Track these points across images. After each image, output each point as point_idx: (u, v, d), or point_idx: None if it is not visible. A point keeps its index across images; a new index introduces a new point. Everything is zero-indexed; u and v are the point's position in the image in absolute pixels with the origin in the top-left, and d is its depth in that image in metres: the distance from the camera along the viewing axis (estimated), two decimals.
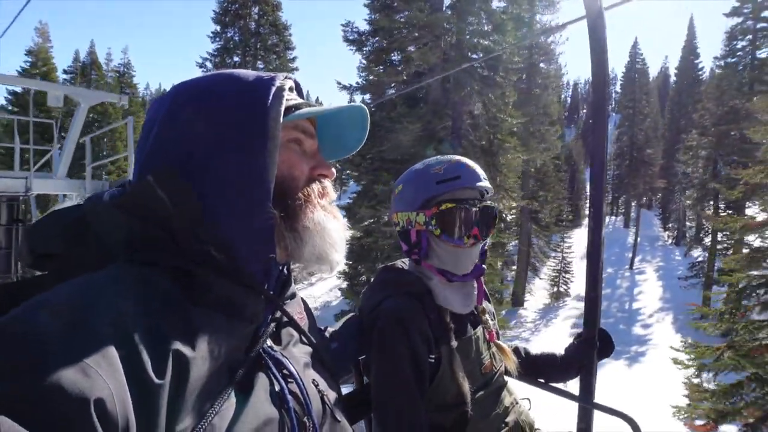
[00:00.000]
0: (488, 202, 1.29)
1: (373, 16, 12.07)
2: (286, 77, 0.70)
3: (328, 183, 0.75)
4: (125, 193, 0.59)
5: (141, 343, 0.47)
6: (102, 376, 0.42)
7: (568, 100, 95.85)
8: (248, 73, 0.68)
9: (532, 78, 24.44)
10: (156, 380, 0.46)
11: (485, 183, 1.26)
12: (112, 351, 0.44)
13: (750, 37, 21.79)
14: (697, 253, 22.79)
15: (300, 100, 0.72)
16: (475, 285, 1.33)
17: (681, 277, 23.12)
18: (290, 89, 0.72)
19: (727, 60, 22.22)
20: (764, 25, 21.17)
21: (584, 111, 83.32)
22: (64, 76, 31.59)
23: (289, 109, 0.68)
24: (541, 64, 25.32)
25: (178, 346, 0.49)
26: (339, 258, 0.71)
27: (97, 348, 0.43)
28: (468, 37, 11.39)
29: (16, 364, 0.40)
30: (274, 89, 0.65)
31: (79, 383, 0.40)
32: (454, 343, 1.22)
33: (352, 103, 0.76)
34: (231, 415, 0.54)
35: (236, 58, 20.47)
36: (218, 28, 20.60)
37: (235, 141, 0.62)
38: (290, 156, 0.69)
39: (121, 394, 0.43)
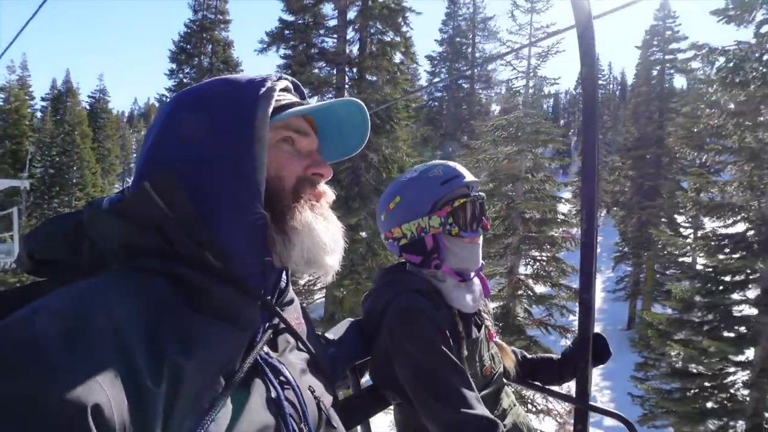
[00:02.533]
0: (478, 192, 1.32)
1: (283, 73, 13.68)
2: (280, 77, 0.70)
3: (323, 183, 0.73)
4: (123, 199, 0.60)
5: (138, 350, 0.47)
6: (99, 382, 0.42)
7: (550, 110, 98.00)
8: (242, 77, 0.68)
9: (473, 105, 26.25)
10: (153, 387, 0.46)
11: (473, 177, 1.31)
12: (110, 357, 0.44)
13: (659, 67, 23.70)
14: (629, 268, 24.50)
15: (294, 100, 0.72)
16: (478, 281, 1.36)
17: (608, 290, 24.76)
18: (285, 90, 0.72)
19: (641, 89, 24.06)
20: (671, 56, 23.04)
21: (562, 122, 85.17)
22: (42, 103, 33.37)
23: (281, 109, 0.68)
24: (482, 92, 27.18)
25: (174, 353, 0.49)
26: (332, 261, 0.69)
27: (95, 354, 0.44)
28: (362, 93, 13.08)
29: (14, 367, 0.41)
30: (263, 90, 0.65)
31: (77, 388, 0.41)
32: (465, 352, 1.22)
33: (346, 98, 0.74)
34: (227, 422, 0.54)
35: None
36: (174, 66, 22.27)
37: (224, 144, 0.62)
38: (279, 156, 0.68)
39: (118, 401, 0.43)
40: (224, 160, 0.62)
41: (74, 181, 25.13)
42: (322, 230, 0.69)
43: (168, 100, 0.69)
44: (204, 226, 0.59)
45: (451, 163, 1.32)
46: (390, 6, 13.41)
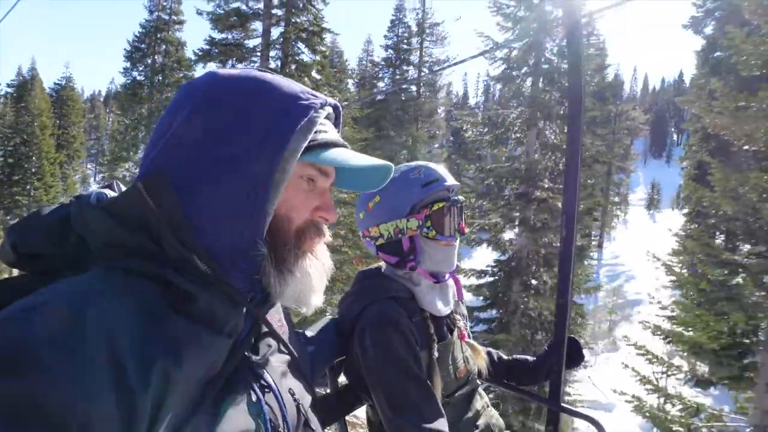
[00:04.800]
0: (458, 197, 1.34)
1: None
2: (325, 105, 0.66)
3: (325, 226, 0.72)
4: (114, 197, 0.59)
5: (129, 354, 0.47)
6: (87, 386, 0.43)
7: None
8: (287, 91, 0.63)
9: (417, 108, 27.74)
10: (141, 393, 0.46)
11: (454, 180, 1.33)
12: (99, 360, 0.45)
13: None
14: None
15: (331, 136, 0.68)
16: (452, 283, 1.40)
17: None
18: (327, 117, 0.69)
19: None
20: None
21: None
22: (8, 89, 34.04)
23: (316, 145, 0.65)
24: (428, 95, 28.68)
25: (161, 357, 0.50)
26: (317, 300, 0.70)
27: (86, 358, 0.44)
28: None
29: (4, 368, 0.41)
30: (304, 121, 0.62)
31: (65, 393, 0.42)
32: (436, 354, 1.25)
33: (379, 161, 0.72)
34: (209, 426, 0.55)
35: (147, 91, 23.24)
36: (129, 64, 23.36)
37: (244, 162, 0.59)
38: (296, 195, 0.66)
39: (105, 405, 0.44)
40: (239, 181, 0.59)
41: (33, 170, 26.23)
42: (317, 275, 0.69)
43: (195, 85, 0.64)
44: (197, 240, 0.58)
45: (433, 166, 1.33)
46: (308, 28, 14.82)
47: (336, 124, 0.74)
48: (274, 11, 14.78)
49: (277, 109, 0.62)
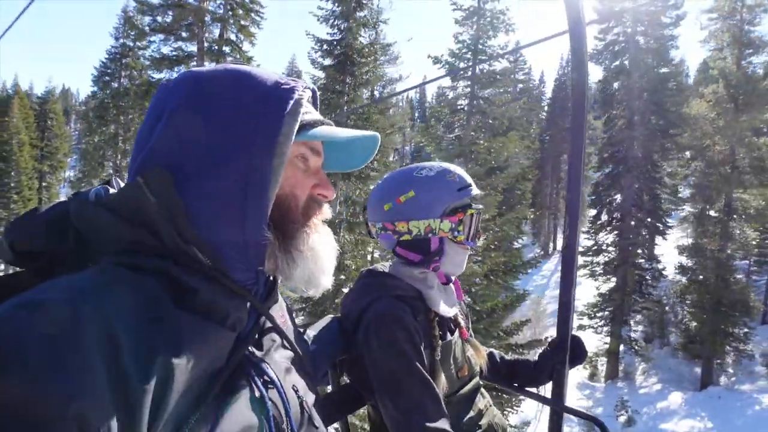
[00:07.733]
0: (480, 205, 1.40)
1: None
2: (305, 88, 0.68)
3: (325, 203, 0.73)
4: (114, 193, 0.60)
5: (129, 351, 0.46)
6: (85, 382, 0.42)
7: None
8: (267, 78, 0.65)
9: (371, 124, 29.58)
10: (141, 391, 0.46)
11: (479, 190, 1.37)
12: (97, 357, 0.44)
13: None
14: None
15: (315, 116, 0.70)
16: (452, 285, 1.42)
17: None
18: (308, 100, 0.70)
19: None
20: None
21: None
22: None
23: (304, 124, 0.66)
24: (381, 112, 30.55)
25: (163, 353, 0.49)
26: (327, 281, 0.71)
27: (83, 357, 0.43)
28: None
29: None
30: (291, 103, 0.63)
31: (61, 395, 0.41)
32: (438, 354, 1.26)
33: (365, 132, 0.72)
34: (211, 421, 0.55)
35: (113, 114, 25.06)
36: (96, 89, 25.22)
37: (241, 152, 0.60)
38: (295, 173, 0.68)
39: (102, 401, 0.43)
40: (237, 168, 0.60)
41: (12, 185, 28.19)
42: (326, 255, 0.71)
43: (175, 82, 0.65)
44: (199, 230, 0.58)
45: (461, 171, 1.37)
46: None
47: (314, 108, 0.75)
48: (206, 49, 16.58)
49: (263, 96, 0.63)
